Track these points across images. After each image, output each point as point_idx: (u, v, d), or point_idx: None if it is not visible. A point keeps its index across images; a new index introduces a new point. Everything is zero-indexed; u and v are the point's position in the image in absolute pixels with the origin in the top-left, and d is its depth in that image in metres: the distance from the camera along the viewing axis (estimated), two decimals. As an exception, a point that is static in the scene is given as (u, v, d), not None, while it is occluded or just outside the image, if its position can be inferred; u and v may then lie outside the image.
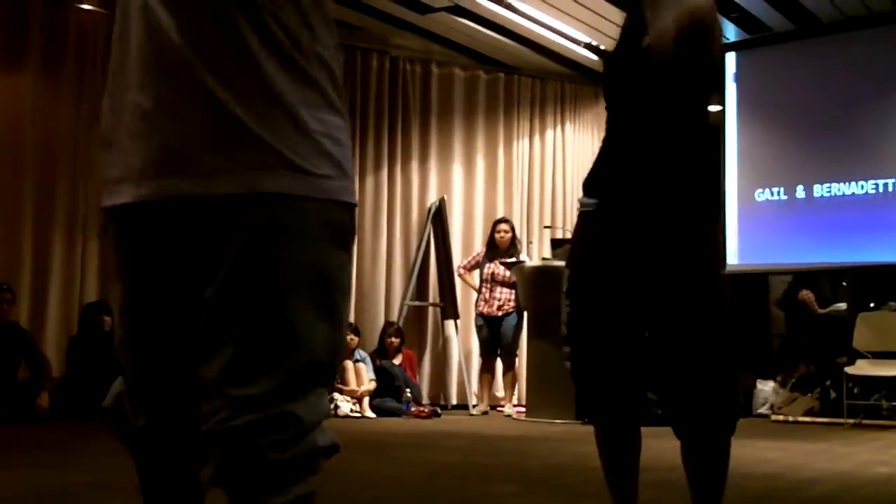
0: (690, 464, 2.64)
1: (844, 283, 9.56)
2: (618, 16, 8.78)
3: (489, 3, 8.68)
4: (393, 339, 8.86)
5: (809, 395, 8.42)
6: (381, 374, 8.58)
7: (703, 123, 2.71)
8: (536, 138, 10.62)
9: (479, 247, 9.66)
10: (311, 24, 1.54)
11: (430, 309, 9.83)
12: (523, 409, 8.56)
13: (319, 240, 1.50)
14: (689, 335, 2.55)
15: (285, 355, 1.45)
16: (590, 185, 2.73)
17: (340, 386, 8.28)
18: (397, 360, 8.84)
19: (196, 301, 1.48)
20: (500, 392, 9.31)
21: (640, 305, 2.61)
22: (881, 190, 8.91)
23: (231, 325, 1.45)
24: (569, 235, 9.50)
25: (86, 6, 8.19)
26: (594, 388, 2.65)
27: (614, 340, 2.61)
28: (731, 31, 9.46)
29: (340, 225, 1.53)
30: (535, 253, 9.86)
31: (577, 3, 8.64)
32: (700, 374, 2.54)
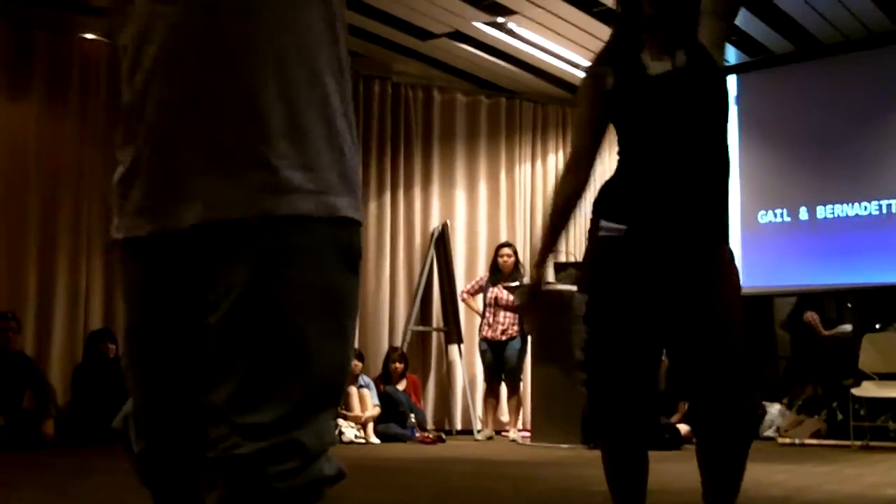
0: (709, 468, 2.65)
1: (850, 305, 9.54)
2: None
3: (490, 28, 8.73)
4: (397, 365, 8.85)
5: (816, 417, 8.39)
6: (386, 399, 8.57)
7: (726, 144, 2.77)
8: (539, 162, 10.64)
9: (482, 271, 9.66)
10: (326, 37, 1.53)
11: (434, 334, 9.83)
12: (528, 434, 8.53)
13: (329, 261, 1.48)
14: (715, 343, 2.58)
15: (294, 381, 1.44)
16: (613, 208, 2.69)
17: (344, 412, 8.25)
18: (401, 386, 8.82)
19: (203, 325, 1.47)
20: (504, 417, 9.28)
21: (660, 331, 2.62)
22: (884, 211, 8.92)
23: (239, 349, 1.43)
24: (572, 259, 9.50)
25: (89, 36, 8.25)
26: (611, 414, 2.65)
27: (634, 368, 2.62)
28: (731, 54, 9.49)
29: (349, 245, 1.51)
30: (539, 277, 9.84)
31: (577, 27, 8.68)
32: (725, 378, 2.56)
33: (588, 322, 2.66)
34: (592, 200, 2.79)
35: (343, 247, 1.50)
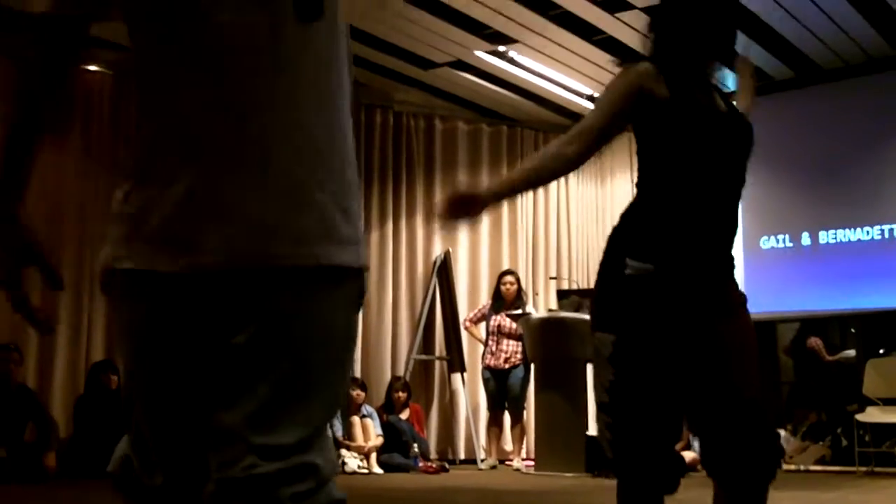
0: None
1: (853, 330, 9.52)
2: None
3: (491, 57, 8.77)
4: (400, 394, 8.82)
5: (821, 443, 8.35)
6: (389, 429, 8.54)
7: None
8: (540, 190, 10.64)
9: (484, 299, 9.65)
10: (347, 77, 1.59)
11: (437, 362, 9.80)
12: (532, 463, 8.50)
13: (347, 304, 1.56)
14: (740, 387, 2.54)
15: (310, 407, 1.49)
16: (642, 247, 2.58)
17: (347, 442, 8.23)
18: (404, 415, 8.80)
19: (217, 351, 1.50)
20: (508, 446, 9.25)
21: (685, 372, 2.58)
22: (887, 236, 8.91)
23: (262, 375, 1.47)
24: (574, 286, 9.50)
25: (92, 67, 8.28)
26: (639, 458, 2.59)
27: (663, 411, 2.57)
28: (731, 81, 9.50)
29: (361, 289, 1.59)
30: (542, 304, 9.84)
31: (578, 55, 8.72)
32: (751, 422, 2.53)
33: (615, 363, 2.57)
34: (610, 233, 2.68)
35: (359, 291, 1.59)
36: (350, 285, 1.55)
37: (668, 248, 2.57)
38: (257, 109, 1.49)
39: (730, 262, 2.69)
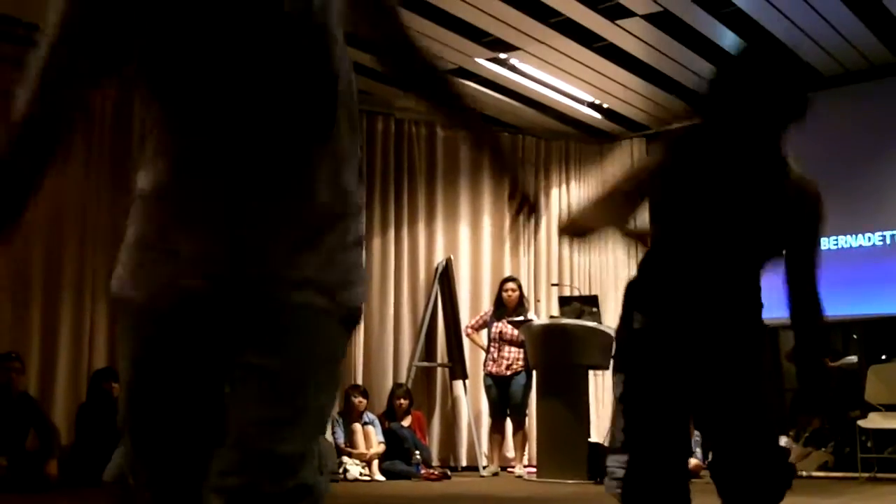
0: None
1: (855, 336, 9.52)
2: (620, 75, 8.87)
3: (492, 64, 8.78)
4: (402, 401, 8.82)
5: (823, 449, 8.35)
6: (391, 436, 8.53)
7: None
8: (541, 196, 10.65)
9: (486, 306, 9.65)
10: (354, 126, 1.71)
11: (439, 369, 9.80)
12: (534, 470, 8.49)
13: (347, 332, 1.67)
14: (751, 412, 2.63)
15: (305, 424, 1.56)
16: (645, 302, 2.72)
17: (349, 449, 8.22)
18: (406, 422, 8.79)
19: (222, 375, 1.59)
20: (510, 452, 9.24)
21: (696, 404, 2.65)
22: (888, 241, 8.92)
23: (265, 396, 1.54)
24: (576, 293, 9.49)
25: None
26: (655, 495, 2.64)
27: (677, 448, 2.64)
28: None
29: (358, 319, 1.71)
30: (543, 311, 9.84)
31: (580, 63, 8.72)
32: (761, 446, 2.60)
33: (624, 401, 2.68)
34: (626, 285, 2.83)
35: (355, 321, 1.70)
36: (347, 317, 1.65)
37: (662, 303, 2.69)
38: (271, 177, 1.59)
39: (734, 313, 2.78)
